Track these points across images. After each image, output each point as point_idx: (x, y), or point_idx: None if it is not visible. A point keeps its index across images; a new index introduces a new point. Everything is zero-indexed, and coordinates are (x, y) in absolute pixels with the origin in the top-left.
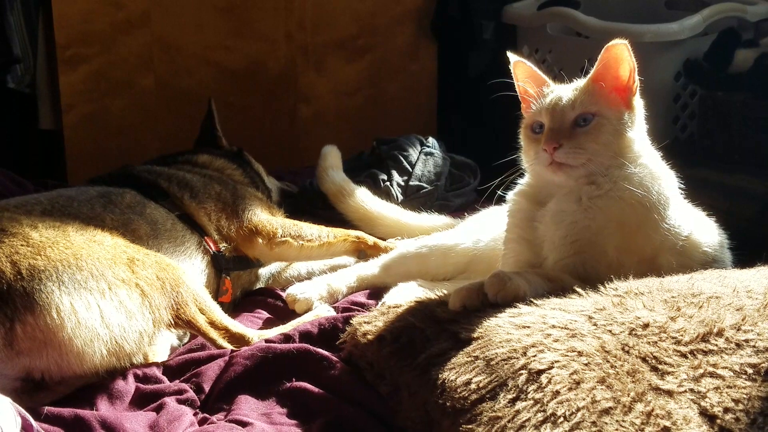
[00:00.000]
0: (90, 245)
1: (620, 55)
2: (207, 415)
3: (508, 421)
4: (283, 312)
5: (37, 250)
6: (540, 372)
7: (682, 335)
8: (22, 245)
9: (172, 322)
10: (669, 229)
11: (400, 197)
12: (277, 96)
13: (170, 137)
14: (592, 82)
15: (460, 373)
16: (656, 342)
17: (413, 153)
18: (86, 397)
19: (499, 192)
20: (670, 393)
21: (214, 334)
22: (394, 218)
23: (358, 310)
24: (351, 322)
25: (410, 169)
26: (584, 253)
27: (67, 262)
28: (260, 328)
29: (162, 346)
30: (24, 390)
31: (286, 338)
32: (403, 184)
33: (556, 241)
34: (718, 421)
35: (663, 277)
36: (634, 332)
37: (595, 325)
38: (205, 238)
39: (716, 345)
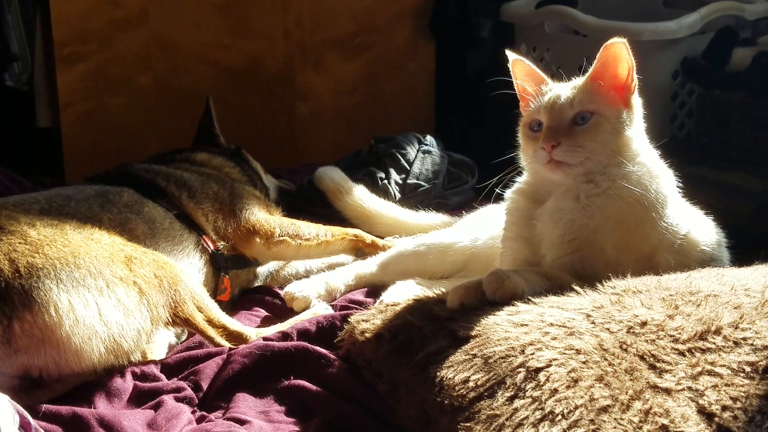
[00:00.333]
0: (88, 243)
1: (619, 54)
2: (205, 413)
3: (506, 419)
4: (281, 310)
5: (35, 248)
6: (538, 370)
7: (680, 333)
8: (20, 243)
9: (170, 320)
10: (667, 228)
11: (398, 195)
12: (276, 94)
13: (168, 135)
14: (591, 81)
15: (458, 371)
16: (654, 340)
17: (411, 151)
18: (84, 395)
19: (497, 190)
20: (668, 391)
21: (212, 332)
22: (392, 216)
23: (356, 309)
24: (349, 320)
25: (408, 168)
26: (582, 252)
27: (65, 259)
28: (258, 327)
29: (160, 344)
30: (22, 388)
31: (284, 336)
32: (401, 182)
33: (554, 240)
34: (716, 419)
35: (661, 275)
36: (632, 330)
37: (593, 323)
38: (204, 237)
39: (714, 343)
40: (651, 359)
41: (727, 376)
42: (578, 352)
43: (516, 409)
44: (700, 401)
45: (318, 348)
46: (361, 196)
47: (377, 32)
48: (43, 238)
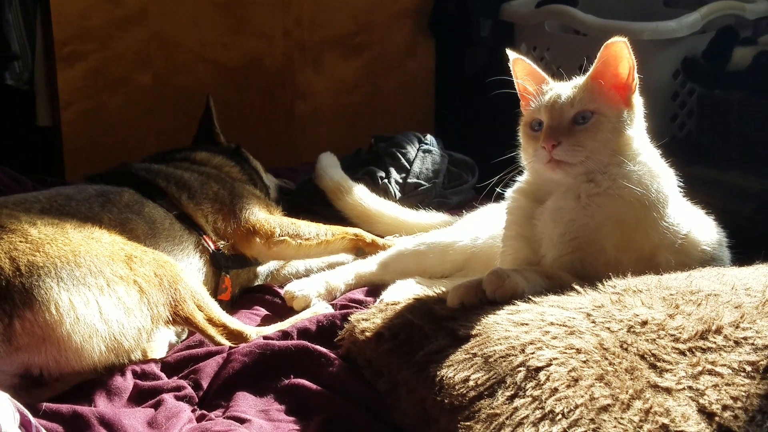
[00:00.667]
0: (88, 242)
1: (620, 53)
2: (205, 412)
3: (507, 419)
4: (281, 309)
5: (35, 246)
6: (538, 369)
7: (680, 333)
8: (20, 242)
9: (171, 319)
10: (668, 228)
11: (398, 195)
12: (275, 93)
13: (168, 134)
14: (591, 80)
15: (458, 370)
16: (655, 339)
17: (411, 150)
18: (84, 394)
19: (497, 189)
20: (668, 390)
21: (212, 330)
22: (392, 216)
23: (357, 308)
24: (349, 319)
25: (408, 167)
26: (583, 251)
27: (65, 258)
28: (258, 325)
29: (160, 343)
30: (22, 386)
31: (285, 335)
32: (401, 181)
33: (555, 239)
34: (717, 418)
35: (662, 274)
36: (632, 329)
37: (593, 322)
38: (204, 236)
39: (715, 342)
40: (651, 358)
41: (728, 376)
42: (578, 351)
43: (516, 408)
44: (701, 400)
45: (318, 347)
46: (361, 195)
47: (377, 31)
48: (44, 236)
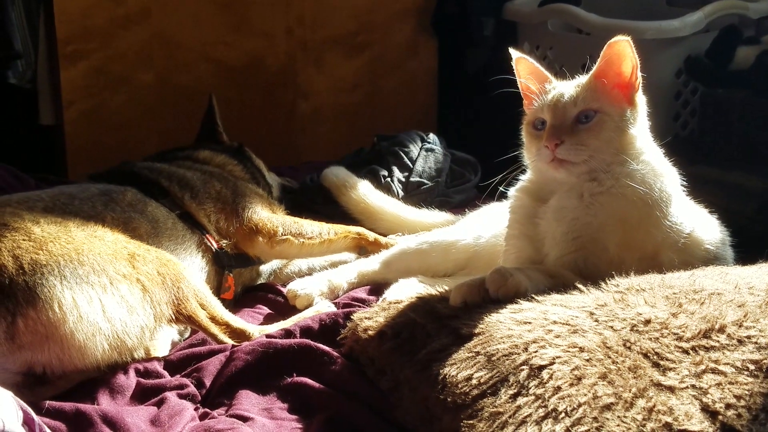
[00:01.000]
0: (91, 241)
1: (623, 52)
2: (208, 410)
3: (509, 417)
4: (283, 308)
5: (39, 245)
6: (541, 368)
7: (683, 331)
8: (24, 240)
9: (173, 317)
10: (671, 227)
11: (401, 193)
12: (276, 92)
13: (169, 133)
14: (594, 79)
15: (461, 368)
16: (658, 338)
17: (414, 149)
18: (87, 392)
19: (500, 188)
20: (671, 389)
21: (214, 329)
22: (394, 214)
23: (359, 306)
24: (352, 317)
25: (411, 165)
26: (585, 250)
27: (68, 257)
28: (261, 324)
29: (163, 341)
30: (25, 384)
31: (287, 333)
32: (403, 180)
33: (558, 238)
34: (720, 417)
35: (664, 273)
36: (635, 328)
37: (596, 321)
38: (207, 235)
39: (718, 341)
40: (655, 357)
41: (731, 374)
42: (581, 349)
43: (519, 407)
44: (704, 399)
45: (321, 345)
46: (365, 191)
47: (378, 30)
48: (47, 235)
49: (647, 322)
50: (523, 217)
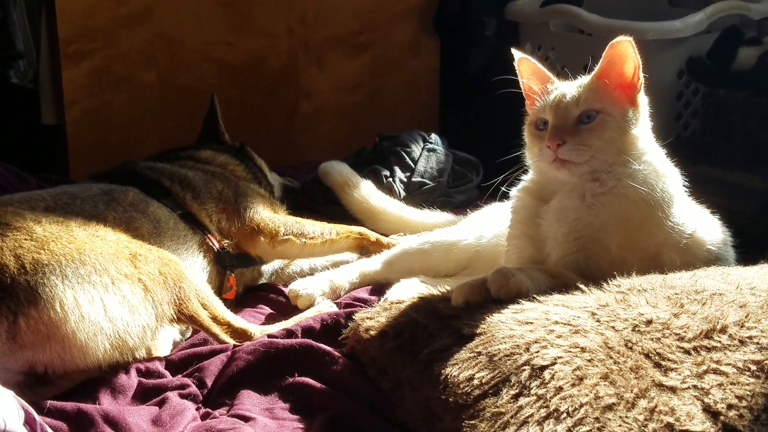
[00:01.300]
0: (93, 240)
1: (625, 52)
2: (209, 410)
3: (511, 417)
4: (285, 308)
5: (40, 244)
6: (543, 368)
7: (685, 332)
8: (25, 239)
9: (175, 317)
10: (673, 227)
11: (403, 193)
12: (278, 92)
13: (171, 132)
14: (596, 79)
15: (462, 368)
16: (659, 338)
17: (416, 149)
18: (89, 392)
19: (502, 188)
20: (673, 389)
21: (216, 329)
22: (396, 214)
23: (361, 306)
24: (353, 317)
25: (413, 166)
26: (587, 250)
27: (70, 256)
28: (263, 324)
29: (164, 341)
30: (27, 384)
31: (289, 333)
32: (405, 180)
33: (560, 238)
34: (722, 417)
35: (666, 274)
36: (637, 328)
37: (598, 321)
38: (208, 235)
39: (720, 342)
40: (656, 357)
41: (733, 375)
42: (583, 350)
43: (521, 407)
44: (706, 399)
45: (322, 345)
46: (367, 191)
47: (381, 30)
48: (49, 234)
49: (649, 322)
50: (524, 218)
